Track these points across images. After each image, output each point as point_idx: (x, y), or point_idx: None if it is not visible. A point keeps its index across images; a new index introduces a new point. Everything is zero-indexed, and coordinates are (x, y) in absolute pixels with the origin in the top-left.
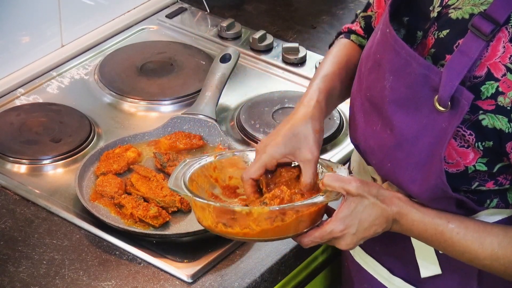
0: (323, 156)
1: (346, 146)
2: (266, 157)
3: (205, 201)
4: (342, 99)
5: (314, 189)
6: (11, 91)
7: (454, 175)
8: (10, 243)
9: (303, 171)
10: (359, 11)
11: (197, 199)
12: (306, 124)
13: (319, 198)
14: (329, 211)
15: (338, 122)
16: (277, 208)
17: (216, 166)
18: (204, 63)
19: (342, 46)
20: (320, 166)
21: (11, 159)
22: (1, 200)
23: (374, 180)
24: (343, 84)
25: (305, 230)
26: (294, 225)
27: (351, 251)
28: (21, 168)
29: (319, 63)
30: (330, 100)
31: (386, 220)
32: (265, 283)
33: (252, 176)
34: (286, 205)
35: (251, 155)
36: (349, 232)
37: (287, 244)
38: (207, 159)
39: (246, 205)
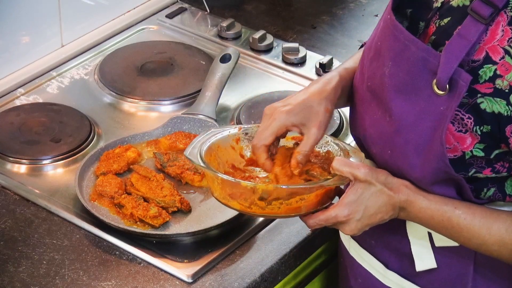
0: None
1: None
2: (278, 123)
3: (214, 173)
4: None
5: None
6: (11, 91)
7: (452, 161)
8: (10, 243)
9: (305, 141)
10: None
11: (207, 170)
12: (320, 101)
13: (326, 181)
14: (341, 194)
15: (338, 122)
16: (282, 187)
17: (240, 138)
18: (204, 63)
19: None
20: (338, 149)
21: (11, 159)
22: (1, 200)
23: None
24: None
25: (313, 211)
26: (299, 204)
27: (346, 245)
28: (21, 168)
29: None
30: (345, 91)
31: (392, 207)
32: (265, 283)
33: (265, 142)
34: (292, 185)
35: None
36: (354, 217)
37: (287, 244)
38: (231, 131)
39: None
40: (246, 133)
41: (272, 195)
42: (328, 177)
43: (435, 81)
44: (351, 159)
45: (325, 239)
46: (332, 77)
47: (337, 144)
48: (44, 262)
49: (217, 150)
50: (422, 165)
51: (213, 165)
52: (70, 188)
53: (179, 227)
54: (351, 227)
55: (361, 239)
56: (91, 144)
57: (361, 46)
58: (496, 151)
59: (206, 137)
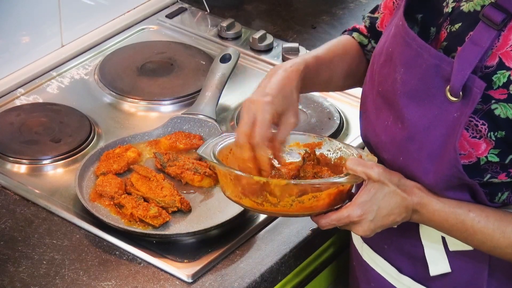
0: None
1: None
2: (268, 116)
3: (227, 169)
4: (324, 87)
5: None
6: (11, 91)
7: (467, 167)
8: (10, 243)
9: (282, 130)
10: (367, 13)
11: (220, 166)
12: (292, 90)
13: (339, 179)
14: (352, 198)
15: (338, 122)
16: (294, 182)
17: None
18: (204, 63)
19: (342, 40)
20: (351, 154)
21: (11, 159)
22: (1, 200)
23: None
24: (332, 72)
25: (324, 212)
26: (311, 203)
27: (358, 249)
28: (21, 168)
29: None
30: (311, 79)
31: (405, 209)
32: (265, 283)
33: (267, 136)
34: (304, 181)
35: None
36: (367, 218)
37: (287, 244)
38: None
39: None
40: None
41: (284, 191)
42: (342, 176)
43: (448, 87)
44: None
45: (325, 239)
46: (298, 65)
47: (349, 150)
48: (44, 262)
49: (228, 154)
50: (435, 172)
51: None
52: (70, 188)
53: (179, 227)
54: (364, 228)
55: (374, 243)
56: (91, 144)
57: (344, 32)
58: (511, 156)
59: (218, 140)
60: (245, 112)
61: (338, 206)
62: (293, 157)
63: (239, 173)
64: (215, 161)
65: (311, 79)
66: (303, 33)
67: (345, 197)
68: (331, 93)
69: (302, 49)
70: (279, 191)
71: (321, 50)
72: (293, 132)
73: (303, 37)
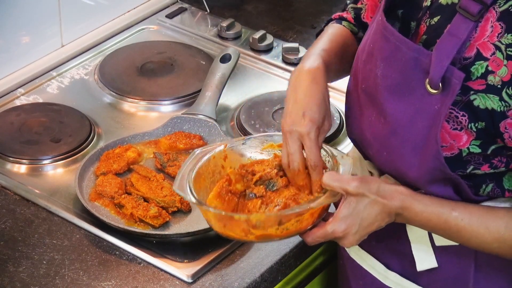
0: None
1: (346, 146)
2: (313, 136)
3: (205, 207)
4: (336, 77)
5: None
6: (11, 91)
7: (449, 159)
8: (10, 243)
9: (321, 135)
10: (349, 2)
11: (199, 205)
12: (323, 95)
13: (318, 201)
14: (336, 204)
15: (338, 122)
16: (275, 215)
17: (227, 156)
18: (204, 63)
19: (336, 29)
20: (326, 154)
21: (11, 159)
22: (1, 200)
23: (371, 174)
24: (339, 61)
25: (309, 227)
26: (296, 226)
27: (346, 248)
28: (21, 168)
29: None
30: (328, 73)
31: (388, 214)
32: (265, 283)
33: (320, 157)
34: (284, 210)
35: (256, 142)
36: (351, 231)
37: (287, 244)
38: (216, 150)
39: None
40: (231, 149)
41: (266, 222)
42: (320, 195)
43: (427, 80)
44: (340, 166)
45: None
46: (318, 64)
47: (324, 150)
48: (44, 262)
49: (205, 173)
50: (419, 165)
51: (205, 185)
52: (70, 188)
53: (179, 227)
54: (349, 240)
55: (361, 241)
56: (91, 144)
57: (330, 21)
58: (493, 147)
59: (191, 164)
60: (289, 138)
61: (323, 215)
62: None
63: (218, 211)
64: (194, 200)
65: (328, 73)
66: (303, 33)
67: (327, 207)
68: (331, 93)
69: (302, 49)
70: (261, 223)
71: (324, 42)
72: (267, 134)
73: (303, 37)
